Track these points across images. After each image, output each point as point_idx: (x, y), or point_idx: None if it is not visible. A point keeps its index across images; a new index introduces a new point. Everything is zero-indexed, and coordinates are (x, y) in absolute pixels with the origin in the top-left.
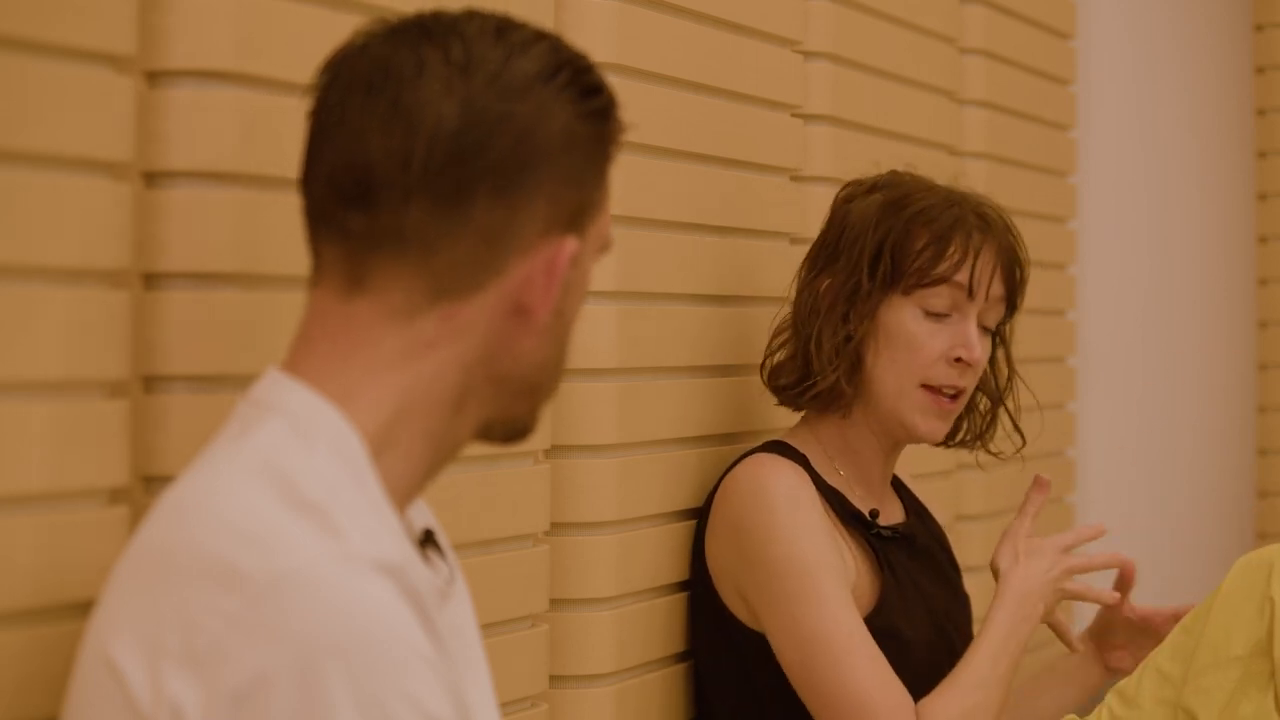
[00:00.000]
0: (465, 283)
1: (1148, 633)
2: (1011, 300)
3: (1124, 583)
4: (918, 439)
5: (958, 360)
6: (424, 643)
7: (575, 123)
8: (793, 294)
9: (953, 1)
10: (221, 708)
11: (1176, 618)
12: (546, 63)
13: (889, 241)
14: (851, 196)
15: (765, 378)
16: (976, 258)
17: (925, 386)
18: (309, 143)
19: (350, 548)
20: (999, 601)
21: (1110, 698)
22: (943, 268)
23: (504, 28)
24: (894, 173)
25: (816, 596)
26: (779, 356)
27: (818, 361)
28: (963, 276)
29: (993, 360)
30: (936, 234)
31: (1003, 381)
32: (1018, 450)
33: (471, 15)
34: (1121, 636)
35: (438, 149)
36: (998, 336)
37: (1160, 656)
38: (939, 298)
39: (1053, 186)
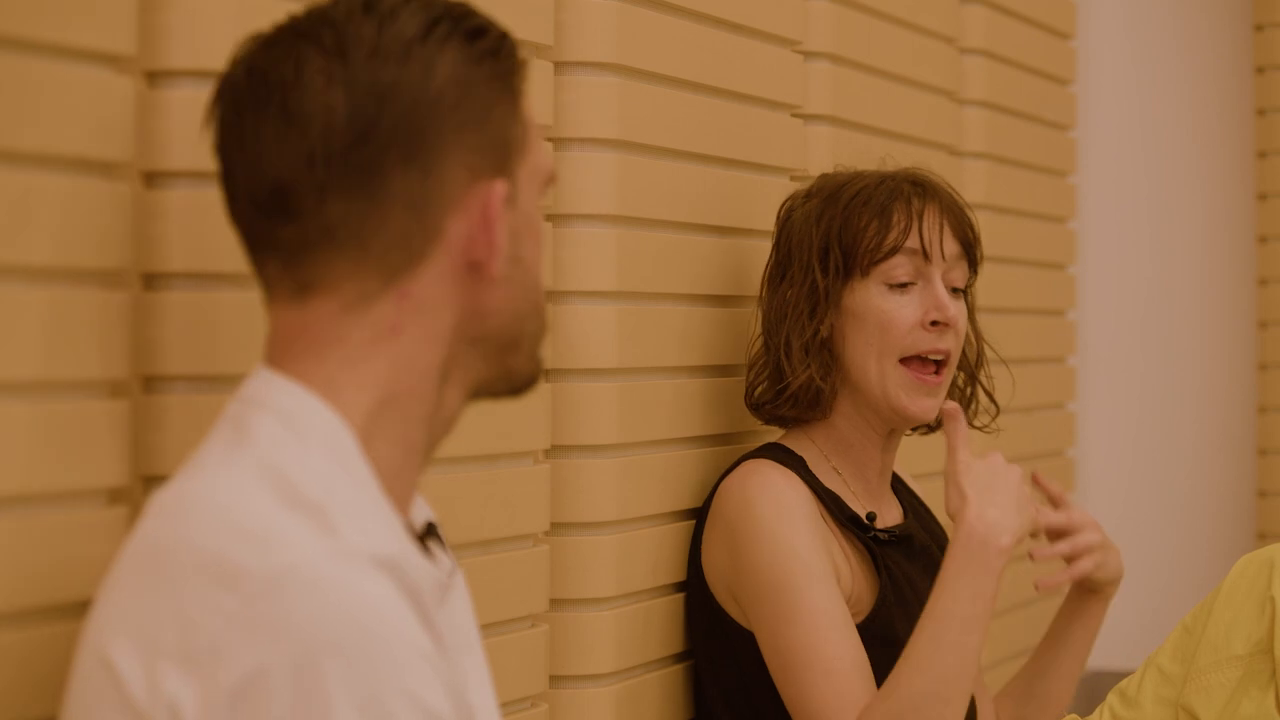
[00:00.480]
0: (407, 257)
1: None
2: (971, 256)
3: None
4: (910, 420)
5: (934, 324)
6: (423, 639)
7: (465, 69)
8: (758, 323)
9: (953, 1)
10: (219, 705)
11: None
12: (421, 21)
13: (832, 232)
14: (791, 209)
15: (753, 411)
16: (921, 219)
17: (906, 361)
18: (222, 174)
19: (348, 544)
20: (948, 556)
21: (1111, 697)
22: (892, 237)
23: (371, 2)
24: (824, 175)
25: (794, 610)
26: (760, 388)
27: (789, 364)
28: (913, 241)
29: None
30: (876, 209)
31: (973, 353)
32: (993, 419)
33: (338, 0)
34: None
35: (335, 139)
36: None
37: (1161, 656)
38: (899, 268)
39: (1053, 186)
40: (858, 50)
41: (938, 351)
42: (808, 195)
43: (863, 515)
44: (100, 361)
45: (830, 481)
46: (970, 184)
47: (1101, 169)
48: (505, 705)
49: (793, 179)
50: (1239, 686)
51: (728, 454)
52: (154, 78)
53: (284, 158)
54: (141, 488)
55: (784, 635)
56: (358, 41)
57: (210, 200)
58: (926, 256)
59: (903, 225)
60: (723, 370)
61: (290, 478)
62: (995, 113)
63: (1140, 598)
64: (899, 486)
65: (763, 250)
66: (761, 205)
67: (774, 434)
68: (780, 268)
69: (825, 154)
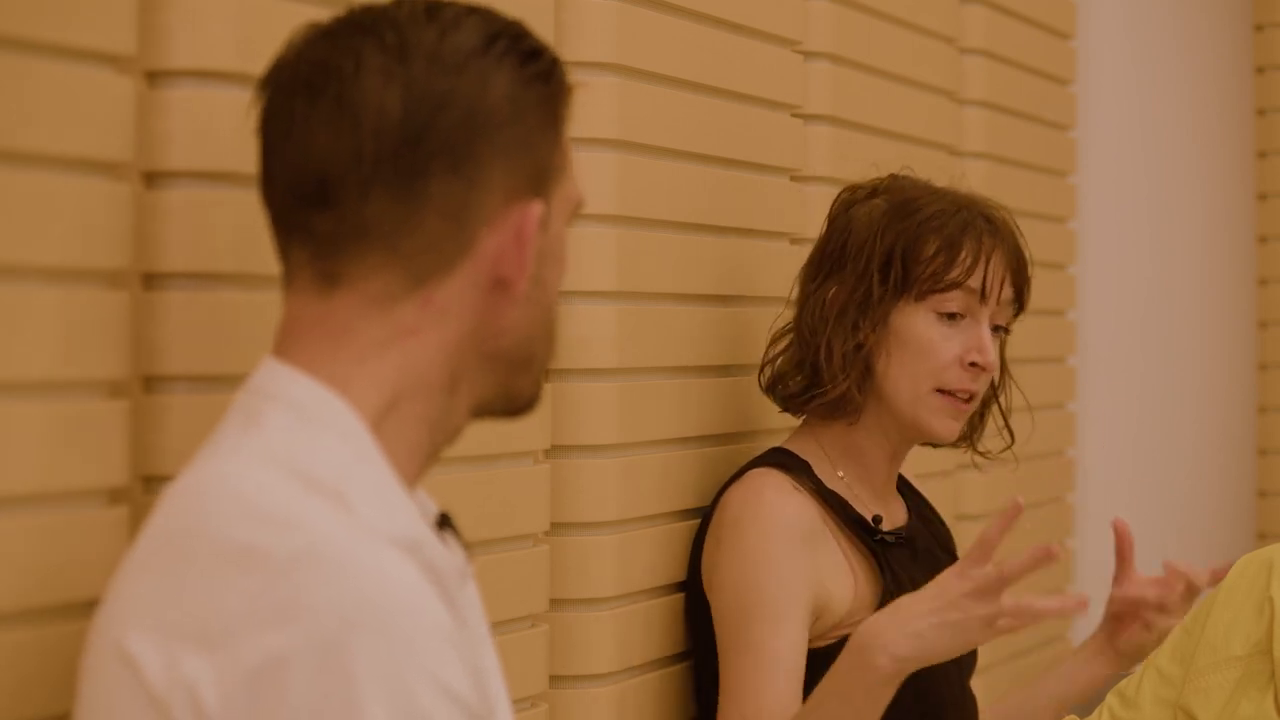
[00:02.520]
0: (438, 263)
1: (1163, 601)
2: (1020, 300)
3: (1123, 551)
4: (933, 440)
5: (971, 364)
6: (445, 619)
7: (518, 89)
8: (794, 300)
9: (953, 1)
10: (238, 686)
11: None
12: (481, 34)
13: (899, 248)
14: (852, 202)
15: (764, 384)
16: (988, 262)
17: (938, 390)
18: (262, 155)
19: (366, 524)
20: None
21: (1110, 698)
22: (955, 273)
23: (434, 7)
24: (894, 176)
25: (741, 640)
26: (780, 364)
27: (828, 371)
28: (975, 281)
29: None
30: (948, 239)
31: (997, 379)
32: (1006, 448)
33: (400, 2)
34: (1133, 613)
35: (386, 138)
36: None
37: (1160, 657)
38: (953, 301)
39: (1053, 186)
40: (858, 50)
41: (967, 391)
42: (872, 192)
43: (869, 518)
44: (100, 361)
45: (835, 485)
46: (970, 184)
47: (1101, 169)
48: None
49: (793, 179)
50: (1238, 687)
51: (727, 454)
52: (154, 78)
53: (332, 149)
54: (141, 488)
55: (727, 660)
56: (418, 45)
57: (210, 200)
58: (983, 298)
59: (969, 263)
60: (723, 370)
61: (302, 465)
62: (995, 113)
63: None
64: (904, 487)
65: (763, 250)
66: (761, 205)
67: (776, 435)
68: (829, 262)
69: (825, 154)
